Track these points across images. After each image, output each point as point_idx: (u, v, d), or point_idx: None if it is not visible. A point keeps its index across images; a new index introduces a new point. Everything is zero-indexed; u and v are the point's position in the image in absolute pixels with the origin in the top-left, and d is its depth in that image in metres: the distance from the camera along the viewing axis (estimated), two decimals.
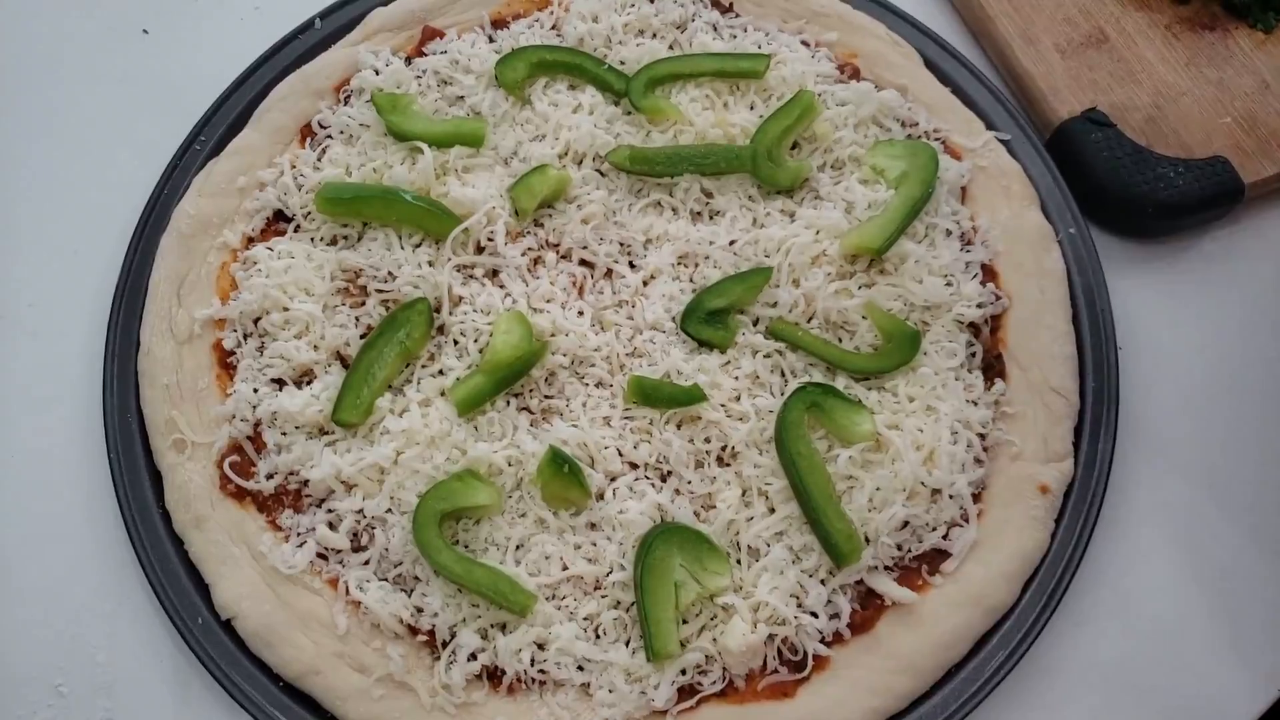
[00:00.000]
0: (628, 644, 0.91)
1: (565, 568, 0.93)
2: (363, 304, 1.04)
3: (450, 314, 1.03)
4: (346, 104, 1.14)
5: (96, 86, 1.24)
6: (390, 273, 1.04)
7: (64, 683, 0.95)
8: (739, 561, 0.93)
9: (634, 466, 0.98)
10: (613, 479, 0.97)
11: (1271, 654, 0.96)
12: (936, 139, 1.11)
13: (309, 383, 1.01)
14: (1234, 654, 0.96)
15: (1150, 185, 1.08)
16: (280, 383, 1.01)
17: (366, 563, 0.95)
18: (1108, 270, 1.07)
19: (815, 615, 0.91)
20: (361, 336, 1.02)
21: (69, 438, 1.04)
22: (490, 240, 1.06)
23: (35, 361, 1.08)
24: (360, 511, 0.96)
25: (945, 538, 0.94)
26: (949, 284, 1.03)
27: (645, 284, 1.06)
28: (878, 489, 0.93)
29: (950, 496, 0.95)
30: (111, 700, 0.94)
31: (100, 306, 1.08)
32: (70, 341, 1.09)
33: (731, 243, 1.06)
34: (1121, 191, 1.09)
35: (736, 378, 1.00)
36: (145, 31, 1.28)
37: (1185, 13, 1.19)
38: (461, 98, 1.14)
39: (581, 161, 1.11)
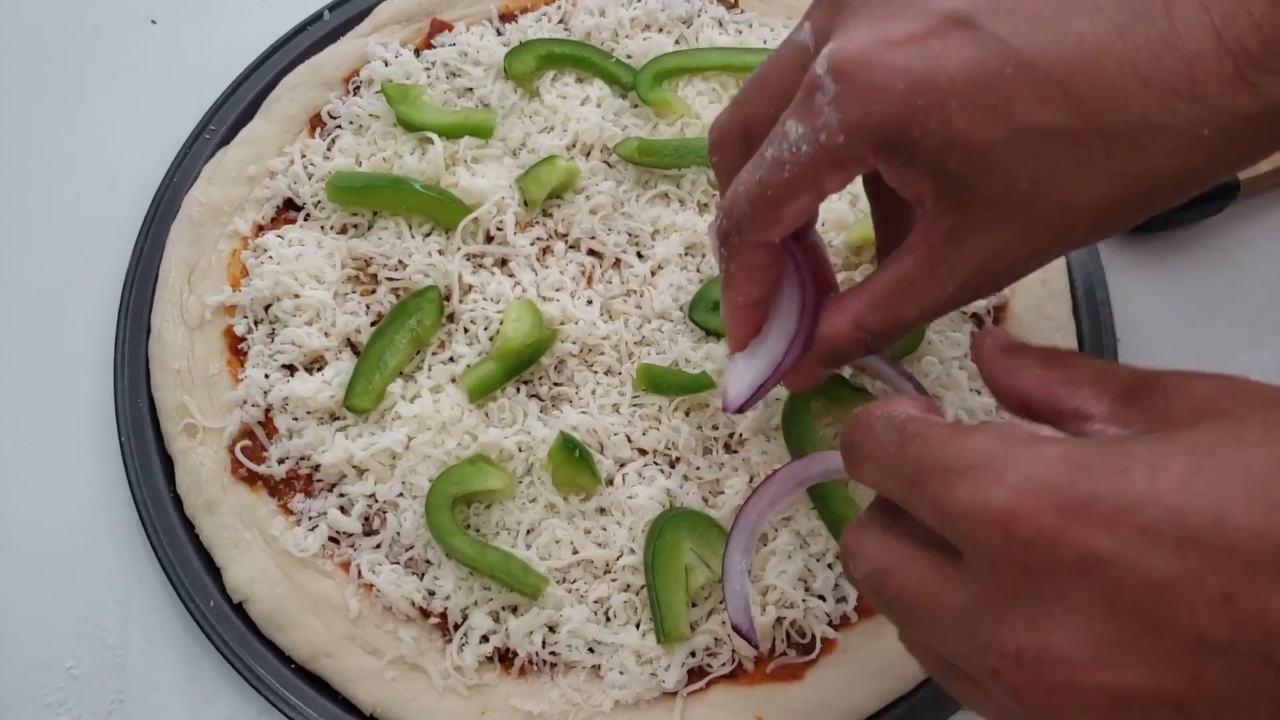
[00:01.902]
0: (638, 626, 0.92)
1: (575, 551, 0.95)
2: (373, 292, 1.05)
3: (460, 302, 1.04)
4: (356, 94, 1.15)
5: (105, 76, 1.24)
6: (401, 261, 1.05)
7: (75, 664, 0.95)
8: None
9: (643, 453, 0.99)
10: (622, 465, 0.98)
11: None
12: None
13: (320, 369, 1.02)
14: None
15: None
16: (291, 369, 1.02)
17: (378, 546, 0.95)
18: (1106, 263, 1.10)
19: (823, 599, 0.93)
20: (372, 324, 1.03)
21: (80, 423, 1.05)
22: (499, 230, 1.07)
23: (46, 347, 1.09)
24: (372, 496, 0.97)
25: None
26: None
27: (653, 273, 1.07)
28: None
29: None
30: (123, 682, 0.95)
31: (110, 293, 1.09)
32: (81, 327, 1.09)
33: None
34: None
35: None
36: (153, 22, 1.29)
37: None
38: (470, 89, 1.16)
39: (589, 153, 1.13)
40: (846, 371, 1.00)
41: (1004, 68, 0.59)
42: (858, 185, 1.07)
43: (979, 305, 1.04)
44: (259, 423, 1.00)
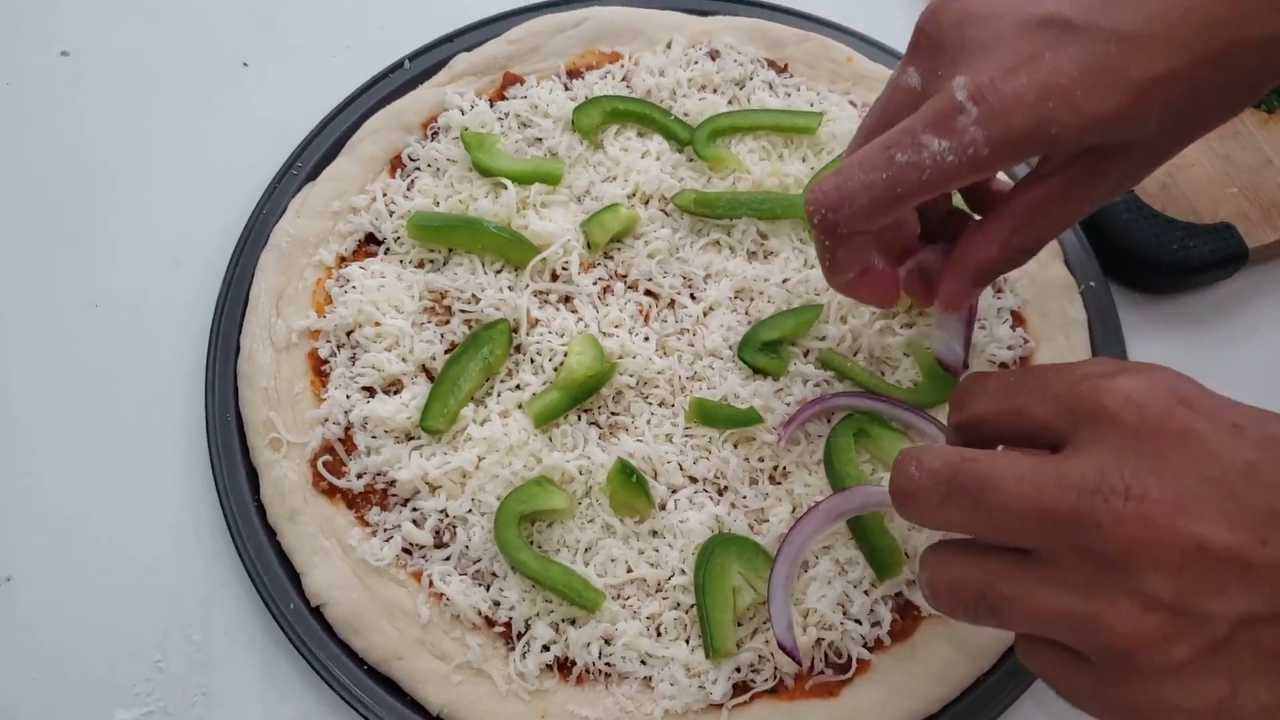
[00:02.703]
0: (687, 642, 0.99)
1: (630, 570, 1.02)
2: (447, 322, 1.14)
3: (528, 334, 1.12)
4: (434, 139, 1.25)
5: (201, 114, 1.33)
6: (474, 295, 1.14)
7: (162, 659, 1.02)
8: None
9: (693, 480, 1.07)
10: (674, 491, 1.06)
11: None
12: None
13: (397, 392, 1.10)
14: None
15: (1165, 246, 1.19)
16: (370, 390, 1.10)
17: (448, 558, 1.03)
18: (1124, 320, 1.18)
19: (859, 622, 1.00)
20: (446, 352, 1.11)
21: (172, 434, 1.13)
22: (565, 269, 1.16)
23: (143, 364, 1.16)
24: (443, 511, 1.04)
25: None
26: (982, 327, 1.13)
27: (705, 314, 1.15)
28: None
29: None
30: (206, 677, 1.02)
31: (199, 315, 1.17)
32: (174, 346, 1.17)
33: (784, 281, 1.16)
34: (1139, 251, 1.20)
35: (788, 403, 1.10)
36: (245, 65, 1.38)
37: None
38: (540, 139, 1.25)
39: (649, 202, 1.22)
40: (882, 413, 1.08)
41: (1108, 46, 0.73)
42: None
43: (1006, 355, 1.12)
44: (339, 440, 1.08)
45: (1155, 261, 1.19)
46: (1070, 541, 0.62)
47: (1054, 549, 0.64)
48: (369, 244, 1.20)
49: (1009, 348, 1.13)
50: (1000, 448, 0.73)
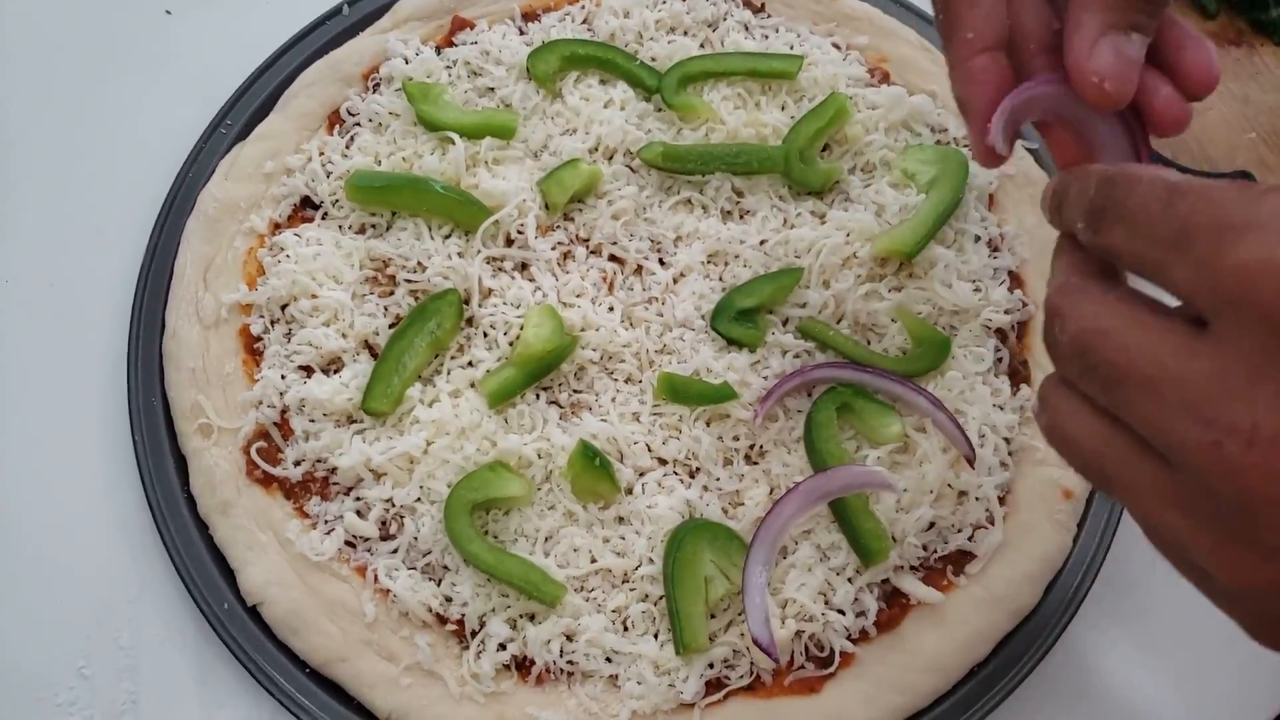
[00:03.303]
0: (656, 637, 0.92)
1: (594, 560, 0.94)
2: (391, 293, 1.04)
3: (480, 306, 1.03)
4: (375, 92, 1.14)
5: (119, 68, 1.23)
6: (420, 263, 1.04)
7: (86, 665, 0.94)
8: None
9: (663, 462, 0.99)
10: (641, 474, 0.98)
11: None
12: (965, 146, 1.12)
13: (337, 370, 1.01)
14: (1253, 656, 0.98)
15: None
16: (308, 370, 1.01)
17: (395, 551, 0.95)
18: (1131, 280, 1.09)
19: (842, 613, 0.92)
20: (390, 326, 1.02)
21: (92, 421, 1.04)
22: (520, 233, 1.06)
23: (58, 342, 1.08)
24: (389, 500, 0.96)
25: (971, 539, 0.96)
26: (977, 289, 1.04)
27: (675, 281, 1.06)
28: (905, 490, 0.94)
29: (977, 499, 0.96)
30: (135, 684, 0.94)
31: (123, 289, 1.08)
32: (93, 323, 1.08)
33: (762, 242, 1.07)
34: None
35: (765, 376, 1.01)
36: (168, 13, 1.27)
37: (1212, 28, 1.21)
38: (492, 89, 1.14)
39: (612, 157, 1.12)
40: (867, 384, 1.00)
41: None
42: (885, 194, 1.07)
43: (1003, 319, 1.03)
44: (275, 424, 0.99)
45: None
46: (1198, 468, 0.53)
47: (1181, 464, 0.55)
48: (305, 208, 1.10)
49: (1006, 311, 1.04)
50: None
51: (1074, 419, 0.61)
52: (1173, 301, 0.57)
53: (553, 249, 1.06)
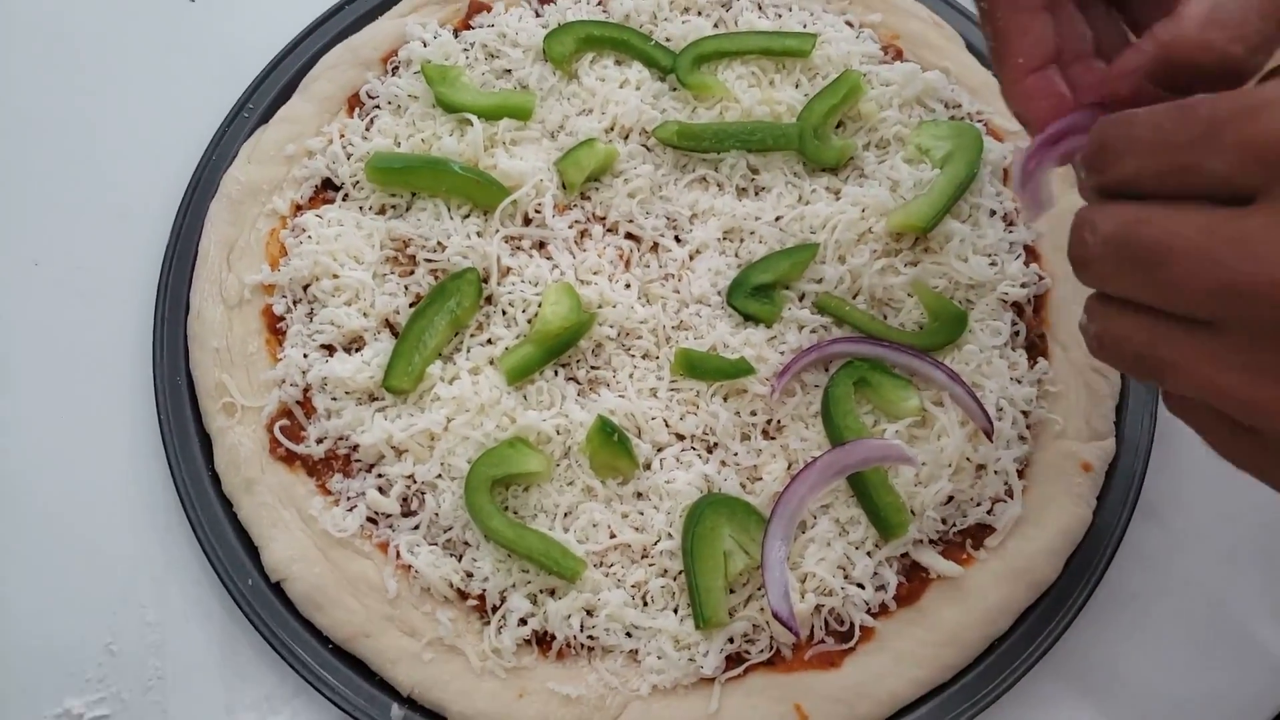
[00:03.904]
0: (675, 611, 0.92)
1: (613, 535, 0.94)
2: (411, 273, 1.05)
3: (499, 284, 1.04)
4: (394, 75, 1.15)
5: (143, 54, 1.24)
6: (439, 243, 1.05)
7: (114, 641, 0.96)
8: None
9: (680, 438, 0.99)
10: (659, 449, 0.98)
11: None
12: (979, 121, 1.12)
13: (358, 349, 1.02)
14: (1274, 626, 0.98)
15: None
16: (330, 349, 1.02)
17: (416, 527, 0.96)
18: None
19: (862, 587, 0.92)
20: (411, 305, 1.03)
21: (119, 400, 1.05)
22: (538, 212, 1.07)
23: (84, 323, 1.09)
24: (410, 477, 0.97)
25: (990, 513, 0.95)
26: (993, 263, 1.04)
27: (691, 258, 1.06)
28: (924, 464, 0.94)
29: (995, 472, 0.96)
30: (161, 660, 0.95)
31: (148, 270, 1.09)
32: (119, 304, 1.09)
33: (777, 219, 1.07)
34: None
35: (782, 352, 1.01)
36: (191, 0, 1.28)
37: None
38: (509, 71, 1.15)
39: (628, 136, 1.12)
40: (887, 360, 1.00)
41: None
42: (900, 170, 1.07)
43: (1020, 293, 1.03)
44: (297, 402, 1.00)
45: None
46: (1249, 319, 0.55)
47: (1230, 324, 0.56)
48: (326, 190, 1.11)
49: (1023, 285, 1.04)
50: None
51: (1119, 319, 0.63)
52: None
53: (570, 227, 1.07)
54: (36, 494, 1.02)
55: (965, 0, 1.22)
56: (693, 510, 0.93)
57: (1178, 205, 0.58)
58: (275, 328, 1.04)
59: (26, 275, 1.12)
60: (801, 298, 1.04)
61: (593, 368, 1.02)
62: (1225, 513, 1.02)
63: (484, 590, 0.92)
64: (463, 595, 0.93)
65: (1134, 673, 0.97)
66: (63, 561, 0.99)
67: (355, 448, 0.98)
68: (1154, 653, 0.97)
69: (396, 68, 1.15)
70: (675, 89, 1.13)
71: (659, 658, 0.90)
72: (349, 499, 0.97)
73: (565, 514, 0.95)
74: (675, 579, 0.93)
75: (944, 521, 0.95)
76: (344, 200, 1.10)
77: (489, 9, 1.19)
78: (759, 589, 0.91)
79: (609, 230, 1.08)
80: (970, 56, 1.17)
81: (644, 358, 1.02)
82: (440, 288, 1.02)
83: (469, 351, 1.01)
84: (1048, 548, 0.95)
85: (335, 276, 1.03)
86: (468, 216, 1.07)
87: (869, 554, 0.94)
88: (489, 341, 1.02)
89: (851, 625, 0.92)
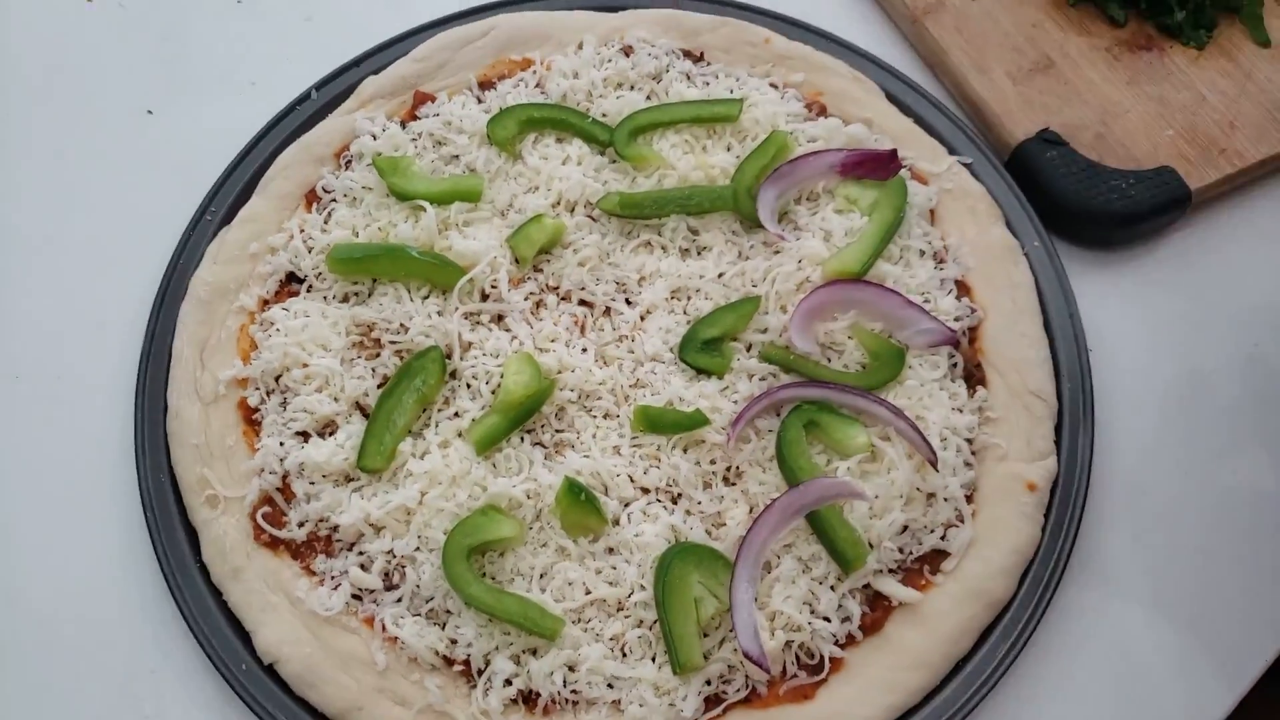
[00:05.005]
0: (654, 659, 0.96)
1: (588, 592, 0.99)
2: (377, 355, 1.10)
3: (461, 359, 1.09)
4: (348, 168, 1.21)
5: (105, 166, 1.30)
6: (402, 324, 1.10)
7: None
8: None
9: (646, 491, 1.04)
10: (626, 504, 1.02)
11: (1270, 608, 1.03)
12: (903, 166, 1.19)
13: (332, 433, 1.06)
14: (1220, 623, 1.03)
15: (1105, 197, 1.16)
16: (305, 435, 1.07)
17: (399, 600, 0.99)
18: (1073, 278, 1.15)
19: (828, 620, 0.97)
20: (379, 386, 1.08)
21: (105, 501, 1.09)
22: (494, 287, 1.12)
23: (67, 433, 1.13)
24: (390, 552, 1.01)
25: (943, 538, 1.00)
26: (926, 300, 1.10)
27: (642, 319, 1.12)
28: (876, 497, 0.99)
29: (945, 499, 1.01)
30: None
31: (126, 375, 1.13)
32: (100, 410, 1.14)
33: (720, 275, 1.13)
34: (1079, 204, 1.17)
35: (735, 401, 1.06)
36: (149, 112, 1.34)
37: (1123, 35, 1.29)
38: (456, 156, 1.21)
39: (574, 209, 1.18)
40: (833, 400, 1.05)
41: None
42: (831, 221, 1.13)
43: (956, 325, 1.09)
44: (277, 489, 1.04)
45: (1097, 213, 1.17)
46: None
47: None
48: (290, 283, 1.16)
49: (956, 319, 1.10)
50: None
51: None
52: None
53: (525, 299, 1.12)
54: (30, 598, 1.05)
55: (881, 54, 1.30)
56: (662, 560, 0.98)
57: None
58: (251, 419, 1.08)
59: (9, 389, 1.16)
60: (749, 348, 1.10)
61: (557, 431, 1.07)
62: (1167, 518, 1.08)
63: (469, 655, 0.96)
64: (449, 661, 0.97)
65: (1095, 674, 1.01)
66: (59, 662, 1.02)
67: (335, 528, 1.02)
68: (1114, 655, 1.02)
69: (349, 161, 1.21)
70: (614, 161, 1.20)
71: (641, 705, 0.94)
72: (333, 578, 1.01)
73: (541, 575, 1.00)
74: (651, 628, 0.97)
75: (901, 550, 1.00)
76: (308, 291, 1.15)
77: (433, 99, 1.25)
78: (730, 631, 0.96)
79: (563, 299, 1.13)
80: (890, 105, 1.25)
81: (605, 417, 1.07)
82: (406, 368, 1.07)
83: (437, 426, 1.06)
84: (1001, 567, 1.00)
85: (305, 365, 1.08)
86: (427, 297, 1.12)
87: (832, 588, 0.98)
88: (456, 415, 1.07)
89: (821, 658, 0.96)
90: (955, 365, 1.09)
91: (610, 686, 0.95)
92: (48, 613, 1.05)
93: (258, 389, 1.09)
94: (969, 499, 1.02)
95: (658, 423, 1.04)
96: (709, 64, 1.27)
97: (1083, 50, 1.27)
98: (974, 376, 1.09)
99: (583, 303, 1.13)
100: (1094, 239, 1.20)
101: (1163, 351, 1.15)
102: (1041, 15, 1.30)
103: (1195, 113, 1.21)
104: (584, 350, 1.10)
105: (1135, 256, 1.21)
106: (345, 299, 1.14)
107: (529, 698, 0.96)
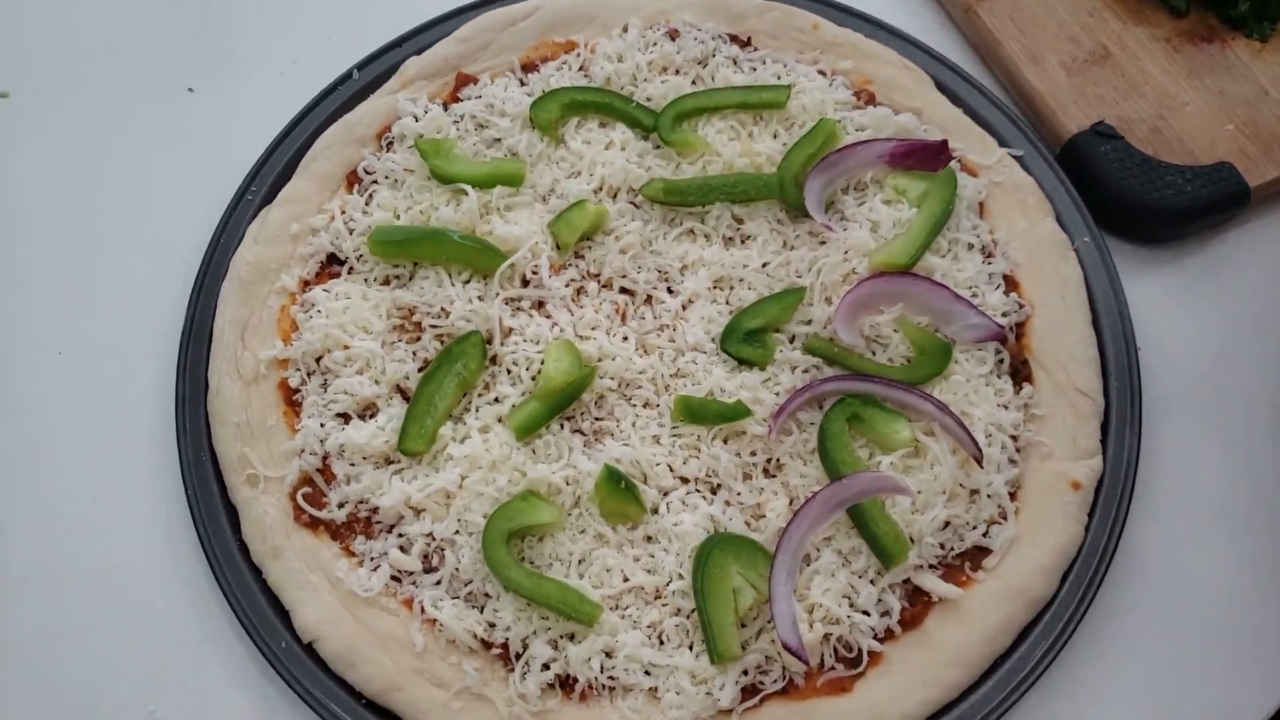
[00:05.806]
0: (691, 648, 0.96)
1: (626, 579, 0.99)
2: (418, 339, 1.10)
3: (502, 345, 1.08)
4: (389, 150, 1.21)
5: (147, 145, 1.30)
6: (443, 309, 1.10)
7: (157, 708, 1.00)
8: None
9: (685, 481, 1.03)
10: (665, 494, 1.02)
11: None
12: (953, 158, 1.17)
13: (373, 415, 1.07)
14: (1264, 628, 1.01)
15: (1159, 193, 1.14)
16: (345, 416, 1.07)
17: (438, 583, 1.00)
18: (1123, 275, 1.13)
19: (867, 614, 0.96)
20: (419, 370, 1.08)
21: (146, 478, 1.10)
22: (535, 273, 1.12)
23: (109, 409, 1.14)
24: (430, 534, 1.01)
25: (985, 535, 1.00)
26: (974, 295, 1.09)
27: (684, 308, 1.11)
28: (919, 492, 0.99)
29: (988, 496, 1.00)
30: None
31: (167, 353, 1.14)
32: (141, 388, 1.14)
33: (764, 265, 1.12)
34: (1132, 200, 1.14)
35: (777, 393, 1.05)
36: (190, 90, 1.35)
37: (1184, 26, 1.26)
38: (499, 140, 1.20)
39: (616, 195, 1.17)
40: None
41: None
42: (879, 211, 1.12)
43: (1003, 320, 1.07)
44: (317, 470, 1.05)
45: (1152, 209, 1.14)
46: None
47: None
48: (331, 265, 1.16)
49: (1004, 314, 1.08)
50: None
51: None
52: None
53: (566, 286, 1.12)
54: (78, 575, 1.06)
55: (932, 42, 1.28)
56: (701, 550, 0.97)
57: None
58: (291, 400, 1.09)
59: (51, 364, 1.17)
60: (792, 340, 1.09)
61: (596, 419, 1.06)
62: (1215, 521, 1.06)
63: (507, 639, 0.96)
64: (487, 645, 0.97)
65: (1136, 678, 1.00)
66: (104, 635, 1.03)
67: (375, 510, 1.03)
68: (1155, 658, 1.00)
69: (391, 143, 1.21)
70: (659, 147, 1.19)
71: (677, 693, 0.94)
72: (372, 559, 1.01)
73: (579, 561, 1.00)
74: (689, 617, 0.97)
75: (942, 546, 0.99)
76: (349, 274, 1.15)
77: (475, 81, 1.24)
78: (769, 622, 0.95)
79: (604, 286, 1.13)
80: (940, 95, 1.23)
81: (645, 406, 1.07)
82: (447, 352, 1.07)
83: (478, 411, 1.06)
84: (1043, 565, 0.99)
85: (346, 347, 1.08)
86: (468, 282, 1.12)
87: (872, 582, 0.98)
88: (496, 400, 1.07)
89: (859, 651, 0.95)
90: (1002, 361, 1.07)
91: (647, 674, 0.95)
92: (93, 585, 1.06)
93: (298, 370, 1.09)
94: (1012, 496, 1.01)
95: (698, 413, 1.04)
96: (756, 49, 1.26)
97: (1141, 41, 1.25)
98: (1020, 373, 1.07)
99: (624, 290, 1.13)
100: (1147, 235, 1.18)
101: (1215, 352, 1.13)
102: (1099, 4, 1.28)
103: (1256, 107, 1.18)
104: (625, 339, 1.09)
105: (1189, 254, 1.19)
106: (386, 282, 1.14)
107: (566, 683, 0.96)
